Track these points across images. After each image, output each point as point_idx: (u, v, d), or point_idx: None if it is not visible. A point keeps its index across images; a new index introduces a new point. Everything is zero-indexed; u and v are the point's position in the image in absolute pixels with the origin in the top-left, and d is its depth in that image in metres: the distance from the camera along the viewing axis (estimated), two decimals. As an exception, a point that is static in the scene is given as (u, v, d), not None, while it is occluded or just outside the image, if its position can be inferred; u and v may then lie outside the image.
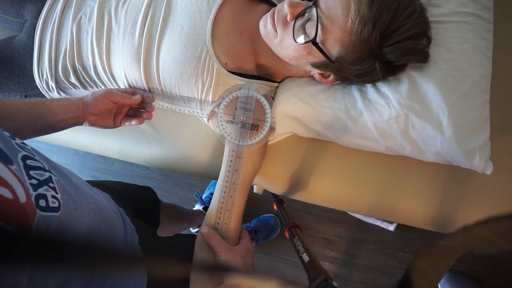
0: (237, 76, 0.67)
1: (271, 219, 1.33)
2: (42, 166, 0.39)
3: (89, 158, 1.56)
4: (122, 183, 0.84)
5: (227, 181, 0.65)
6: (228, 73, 0.66)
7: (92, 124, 0.66)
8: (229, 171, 0.65)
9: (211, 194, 1.34)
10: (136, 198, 0.82)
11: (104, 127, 0.68)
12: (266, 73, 0.73)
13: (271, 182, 0.80)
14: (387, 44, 0.55)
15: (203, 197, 1.35)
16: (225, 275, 0.55)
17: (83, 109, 0.65)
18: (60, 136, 0.92)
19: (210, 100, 0.67)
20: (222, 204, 0.65)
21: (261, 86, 0.70)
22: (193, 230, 1.32)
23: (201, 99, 0.68)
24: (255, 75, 0.70)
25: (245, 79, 0.68)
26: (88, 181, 0.70)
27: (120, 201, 0.65)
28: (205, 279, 0.58)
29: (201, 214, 1.27)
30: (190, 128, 0.84)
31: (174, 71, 0.67)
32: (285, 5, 0.58)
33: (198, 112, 0.73)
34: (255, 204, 1.38)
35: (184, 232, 1.27)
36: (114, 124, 0.69)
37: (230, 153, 0.65)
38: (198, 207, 1.31)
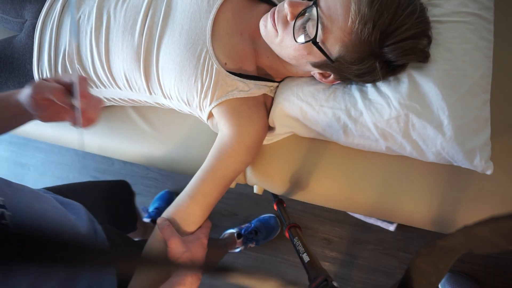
0: (236, 77, 0.67)
1: (272, 219, 1.34)
2: None
3: (89, 158, 1.56)
4: (95, 182, 0.83)
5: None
6: (228, 73, 0.66)
7: (45, 121, 0.53)
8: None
9: (156, 208, 1.35)
10: (110, 197, 0.81)
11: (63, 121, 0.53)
12: (266, 73, 0.73)
13: (271, 182, 0.80)
14: (387, 44, 0.55)
15: (149, 210, 1.36)
16: (185, 272, 0.53)
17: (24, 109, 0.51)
18: (60, 136, 0.92)
19: (209, 100, 0.67)
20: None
21: (261, 86, 0.70)
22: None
23: (201, 99, 0.68)
24: (254, 75, 0.70)
25: (245, 80, 0.67)
26: (59, 187, 0.69)
27: (92, 205, 0.64)
28: (150, 274, 0.55)
29: (152, 227, 1.27)
30: (190, 127, 0.84)
31: (173, 71, 0.67)
32: (285, 5, 0.58)
33: (198, 112, 0.73)
34: (255, 204, 1.38)
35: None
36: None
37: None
38: (146, 220, 1.32)
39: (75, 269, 0.45)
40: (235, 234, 1.28)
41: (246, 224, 1.34)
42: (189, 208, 0.61)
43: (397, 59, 0.57)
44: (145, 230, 1.23)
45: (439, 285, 1.16)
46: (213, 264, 0.81)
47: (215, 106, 0.67)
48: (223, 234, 1.34)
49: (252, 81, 0.68)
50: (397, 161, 0.72)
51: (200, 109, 0.70)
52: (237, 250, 1.31)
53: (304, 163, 0.77)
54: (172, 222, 0.60)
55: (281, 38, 0.61)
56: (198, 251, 0.58)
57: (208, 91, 0.67)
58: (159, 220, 0.60)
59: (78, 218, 0.57)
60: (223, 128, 0.67)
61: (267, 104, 0.72)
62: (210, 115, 0.71)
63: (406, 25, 0.53)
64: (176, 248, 0.56)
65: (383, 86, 0.63)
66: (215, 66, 0.65)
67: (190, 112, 0.76)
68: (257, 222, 1.33)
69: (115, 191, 0.88)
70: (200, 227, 0.63)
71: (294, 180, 0.77)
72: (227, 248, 1.27)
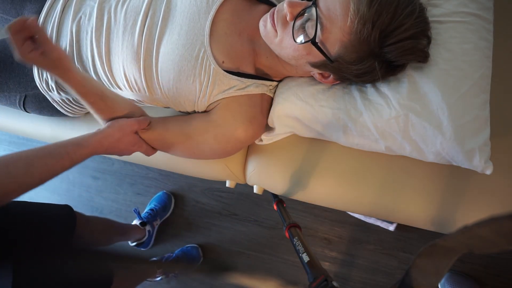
0: (234, 76, 0.67)
1: (194, 250, 1.35)
2: None
3: (89, 158, 1.56)
4: (31, 204, 0.84)
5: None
6: (225, 73, 0.66)
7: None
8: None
9: (151, 210, 1.36)
10: (39, 219, 0.82)
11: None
12: (265, 73, 0.73)
13: (271, 182, 0.80)
14: (387, 44, 0.55)
15: (142, 214, 1.36)
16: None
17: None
18: (60, 137, 0.92)
19: (206, 100, 0.68)
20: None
21: (259, 85, 0.70)
22: (131, 244, 1.33)
23: (198, 99, 0.68)
24: (252, 74, 0.70)
25: (242, 79, 0.67)
26: None
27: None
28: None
29: (138, 228, 1.29)
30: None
31: (172, 71, 0.67)
32: (285, 5, 0.58)
33: (196, 111, 0.73)
34: (255, 204, 1.38)
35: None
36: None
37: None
38: (136, 222, 1.32)
39: None
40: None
41: (168, 254, 1.34)
42: (155, 128, 0.71)
43: (396, 59, 0.57)
44: (128, 232, 1.25)
45: (439, 285, 1.16)
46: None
47: (210, 104, 0.68)
48: None
49: (250, 80, 0.68)
50: (397, 161, 0.72)
51: (197, 108, 0.71)
52: (158, 278, 1.31)
53: (304, 163, 0.77)
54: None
55: (281, 38, 0.61)
56: (125, 147, 0.67)
57: (205, 91, 0.67)
58: (139, 124, 0.68)
59: None
60: (210, 112, 0.70)
61: (263, 105, 0.72)
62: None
63: (406, 25, 0.53)
64: (125, 127, 0.65)
65: (382, 86, 0.63)
66: (212, 66, 0.66)
67: (187, 110, 0.76)
68: (179, 252, 1.34)
69: (48, 214, 0.87)
70: (147, 145, 0.72)
71: (294, 180, 0.77)
72: (146, 275, 1.24)
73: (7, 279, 0.58)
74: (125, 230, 1.24)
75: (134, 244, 1.33)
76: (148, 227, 1.33)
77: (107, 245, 1.14)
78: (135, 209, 1.32)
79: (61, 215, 0.89)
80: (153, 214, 1.35)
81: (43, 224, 0.81)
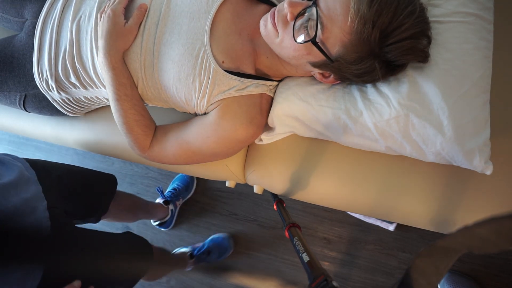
0: (234, 76, 0.67)
1: (225, 240, 1.33)
2: None
3: (89, 158, 1.56)
4: (81, 169, 0.86)
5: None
6: (225, 72, 0.66)
7: None
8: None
9: (174, 189, 1.37)
10: (86, 184, 0.86)
11: None
12: (265, 73, 0.73)
13: (271, 182, 0.80)
14: (387, 44, 0.55)
15: (165, 192, 1.38)
16: None
17: None
18: (60, 136, 0.92)
19: (206, 100, 0.68)
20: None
21: (259, 85, 0.70)
22: (154, 223, 1.35)
23: (198, 98, 0.68)
24: (253, 74, 0.70)
25: (242, 78, 0.67)
26: (38, 161, 0.74)
27: (48, 183, 0.68)
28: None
29: (161, 206, 1.29)
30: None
31: (172, 70, 0.67)
32: (285, 5, 0.59)
33: (195, 111, 0.73)
34: (255, 204, 1.38)
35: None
36: None
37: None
38: (159, 200, 1.32)
39: None
40: (188, 254, 1.27)
41: (199, 244, 1.33)
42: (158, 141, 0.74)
43: (396, 59, 0.57)
44: (152, 210, 1.26)
45: (439, 285, 1.16)
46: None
47: (211, 104, 0.68)
48: (174, 251, 1.33)
49: (250, 80, 0.68)
50: (397, 161, 0.72)
51: (197, 109, 0.71)
52: (189, 269, 1.30)
53: (304, 163, 0.77)
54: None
55: (281, 38, 0.61)
56: None
57: (205, 90, 0.67)
58: None
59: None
60: (209, 113, 0.70)
61: (263, 105, 0.72)
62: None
63: (406, 24, 0.53)
64: None
65: (383, 86, 0.63)
66: (212, 65, 0.66)
67: (188, 111, 0.76)
68: (210, 243, 1.33)
69: (95, 181, 0.90)
70: None
71: (294, 180, 0.77)
72: (177, 266, 1.25)
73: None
74: (149, 207, 1.25)
75: (156, 223, 1.33)
76: (171, 206, 1.33)
77: (133, 221, 1.16)
78: (158, 187, 1.32)
79: (104, 184, 0.93)
80: (176, 194, 1.36)
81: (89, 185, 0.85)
